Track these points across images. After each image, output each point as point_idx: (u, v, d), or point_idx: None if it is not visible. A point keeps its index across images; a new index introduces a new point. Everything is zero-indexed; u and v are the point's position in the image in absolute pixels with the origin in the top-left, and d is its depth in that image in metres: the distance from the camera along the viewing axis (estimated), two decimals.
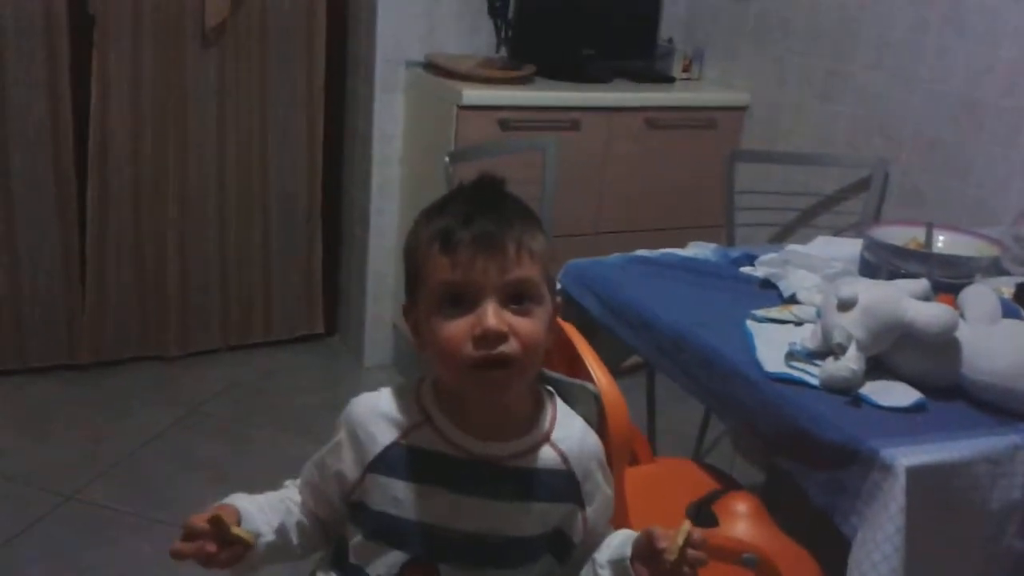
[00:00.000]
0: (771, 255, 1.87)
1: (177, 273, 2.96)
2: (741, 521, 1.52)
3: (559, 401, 1.13)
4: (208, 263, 3.02)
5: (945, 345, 1.40)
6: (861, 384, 1.42)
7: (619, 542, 1.10)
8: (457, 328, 0.98)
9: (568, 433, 1.10)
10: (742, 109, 3.08)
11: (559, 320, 1.36)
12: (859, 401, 1.40)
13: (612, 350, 1.70)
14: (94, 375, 2.91)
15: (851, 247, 1.83)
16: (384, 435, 1.06)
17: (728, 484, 1.66)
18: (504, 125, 2.76)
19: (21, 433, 2.57)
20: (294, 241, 3.15)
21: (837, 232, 2.40)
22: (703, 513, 1.55)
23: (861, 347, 1.41)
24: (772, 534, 1.49)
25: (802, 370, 1.47)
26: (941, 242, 1.86)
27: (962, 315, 1.45)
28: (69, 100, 2.69)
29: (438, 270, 1.00)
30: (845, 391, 1.41)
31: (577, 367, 1.34)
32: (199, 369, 3.01)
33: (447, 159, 2.38)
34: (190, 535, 1.01)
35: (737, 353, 1.53)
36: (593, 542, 1.13)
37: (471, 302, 0.99)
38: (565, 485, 1.08)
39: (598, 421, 1.24)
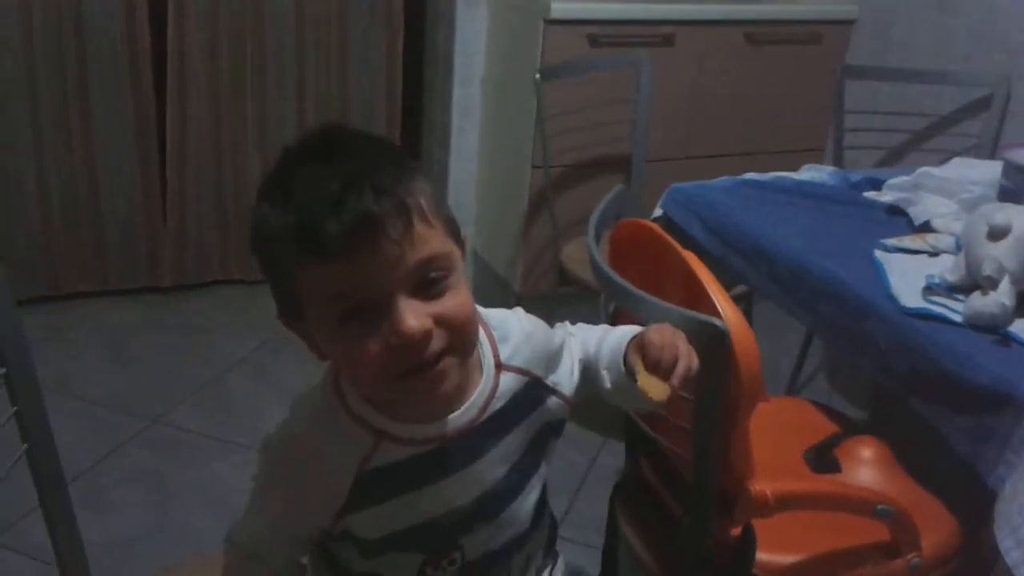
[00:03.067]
0: (900, 178, 1.71)
1: (253, 198, 2.90)
2: (867, 468, 1.42)
3: (481, 313, 0.93)
4: None
5: None
6: (1010, 322, 1.28)
7: (608, 359, 0.97)
8: (368, 345, 0.78)
9: (511, 345, 0.93)
10: (849, 22, 2.86)
11: (681, 250, 1.25)
12: (1008, 340, 1.27)
13: None
14: (176, 299, 2.89)
15: (991, 170, 1.66)
16: (341, 478, 0.87)
17: (848, 427, 1.55)
18: (593, 41, 2.60)
19: (104, 357, 2.58)
20: None
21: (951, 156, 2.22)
22: (824, 458, 1.45)
23: (1014, 280, 1.28)
24: (902, 483, 1.39)
25: (943, 305, 1.34)
26: None
27: None
28: (146, 23, 2.62)
29: (316, 283, 0.78)
30: (992, 329, 1.28)
31: (698, 300, 1.23)
32: None
33: (537, 76, 2.25)
34: None
35: (867, 286, 1.41)
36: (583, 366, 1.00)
37: (374, 308, 0.77)
38: (536, 392, 0.95)
39: (724, 360, 1.13)
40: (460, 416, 0.88)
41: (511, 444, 0.93)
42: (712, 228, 1.71)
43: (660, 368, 0.86)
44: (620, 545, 1.46)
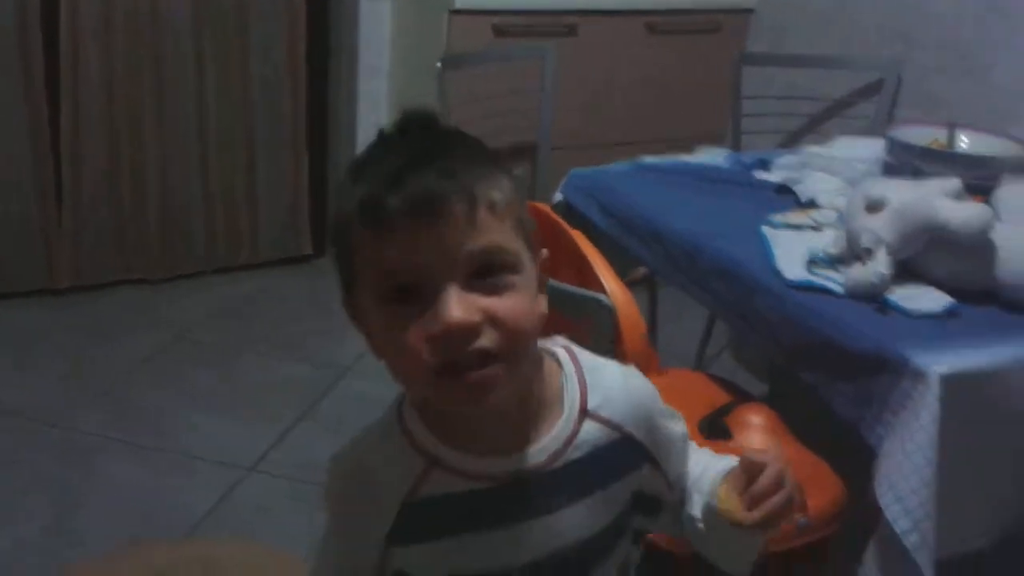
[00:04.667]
0: (788, 158, 1.77)
1: (158, 193, 2.84)
2: (756, 433, 1.47)
3: (579, 353, 0.87)
4: (190, 182, 2.89)
5: (980, 247, 1.32)
6: (888, 290, 1.34)
7: (708, 486, 0.88)
8: (413, 330, 0.74)
9: (606, 393, 0.85)
10: (748, 11, 2.93)
11: (571, 230, 1.27)
12: (886, 307, 1.33)
13: (615, 262, 1.62)
14: (75, 300, 2.80)
15: (874, 148, 1.73)
16: (388, 503, 0.82)
17: (740, 396, 1.60)
18: (498, 31, 2.62)
19: (2, 360, 2.48)
20: (279, 159, 3.01)
21: None
22: (715, 426, 1.49)
23: (891, 251, 1.33)
24: (791, 447, 1.44)
25: (825, 277, 1.39)
26: (964, 142, 1.77)
27: (996, 215, 1.36)
28: (38, 20, 2.53)
29: (370, 254, 0.75)
30: (872, 297, 1.34)
31: (587, 278, 1.25)
32: (185, 293, 2.91)
33: (439, 65, 2.25)
34: None
35: (755, 262, 1.45)
36: (680, 484, 0.92)
37: (424, 292, 0.74)
38: (628, 453, 0.85)
39: (612, 335, 1.16)
40: (526, 457, 0.81)
41: (590, 511, 0.84)
42: (610, 212, 1.74)
43: (754, 493, 0.79)
44: None
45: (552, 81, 2.53)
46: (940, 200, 1.33)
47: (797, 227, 1.55)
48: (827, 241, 1.45)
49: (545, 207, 1.37)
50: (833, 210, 1.57)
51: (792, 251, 1.45)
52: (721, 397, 1.57)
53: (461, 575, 0.83)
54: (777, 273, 1.41)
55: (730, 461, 0.87)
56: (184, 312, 2.81)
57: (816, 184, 1.65)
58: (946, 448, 1.19)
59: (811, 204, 1.62)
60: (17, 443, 2.16)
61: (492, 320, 0.73)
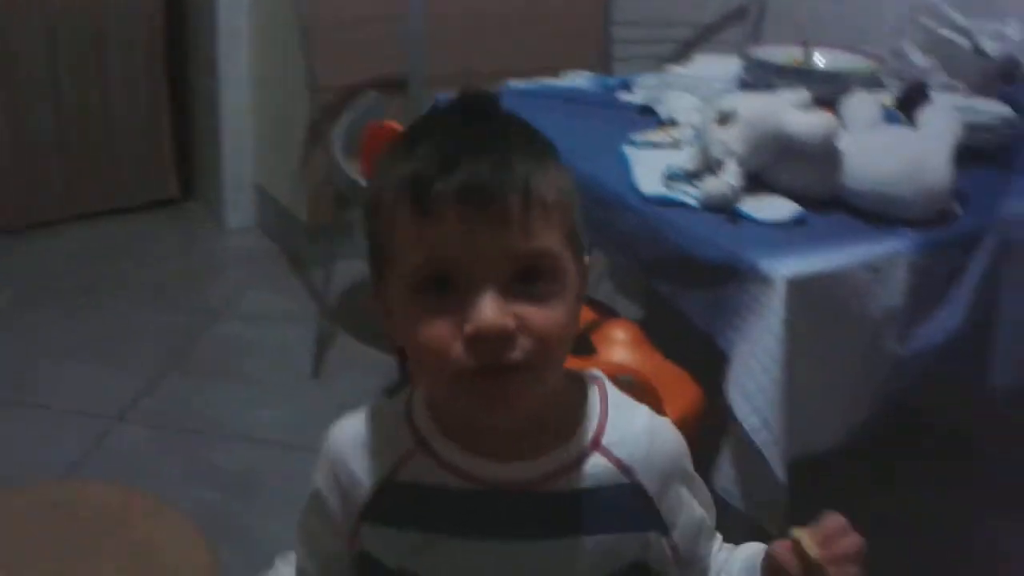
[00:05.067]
0: (649, 78, 1.79)
1: (7, 137, 2.67)
2: (619, 348, 1.50)
3: (609, 387, 0.81)
4: (41, 124, 2.73)
5: (825, 155, 1.36)
6: (739, 200, 1.37)
7: (744, 560, 0.81)
8: (442, 324, 0.69)
9: (626, 433, 0.78)
10: None
11: None
12: (737, 217, 1.36)
13: None
14: None
15: (732, 66, 1.75)
16: (369, 474, 0.79)
17: (607, 314, 1.62)
18: None
19: None
20: (136, 96, 2.87)
21: None
22: (581, 342, 1.51)
23: (741, 161, 1.36)
24: (650, 358, 1.48)
25: (681, 191, 1.41)
26: (820, 60, 1.81)
27: (843, 125, 1.40)
28: None
29: (410, 240, 0.70)
30: (724, 208, 1.37)
31: None
32: (43, 241, 2.77)
33: None
34: None
35: (615, 181, 1.47)
36: (697, 568, 0.83)
37: (461, 285, 0.69)
38: (633, 505, 0.78)
39: None
40: (519, 469, 0.76)
41: (577, 554, 0.77)
42: None
43: (831, 548, 0.72)
44: None
45: (420, 7, 2.46)
46: (788, 111, 1.36)
47: (657, 145, 1.57)
48: (684, 157, 1.47)
49: (396, 124, 1.34)
50: (691, 127, 1.58)
51: (651, 168, 1.47)
52: (587, 316, 1.59)
53: (426, 572, 0.78)
54: (635, 189, 1.42)
55: (754, 545, 0.81)
56: (43, 260, 2.68)
57: (675, 103, 1.67)
58: (793, 351, 1.23)
59: (671, 122, 1.64)
60: None
61: (526, 329, 0.69)
